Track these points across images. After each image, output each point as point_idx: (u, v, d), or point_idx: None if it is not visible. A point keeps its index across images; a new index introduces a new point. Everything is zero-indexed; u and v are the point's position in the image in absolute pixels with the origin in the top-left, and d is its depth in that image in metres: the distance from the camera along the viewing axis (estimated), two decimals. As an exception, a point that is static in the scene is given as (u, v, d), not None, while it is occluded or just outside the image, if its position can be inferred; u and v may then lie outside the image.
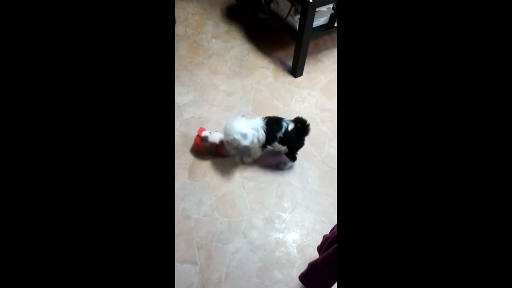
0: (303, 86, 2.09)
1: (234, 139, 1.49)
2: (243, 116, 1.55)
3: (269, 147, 1.61)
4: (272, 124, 1.54)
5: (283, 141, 1.54)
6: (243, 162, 1.71)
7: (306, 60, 2.08)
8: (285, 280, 1.37)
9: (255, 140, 1.53)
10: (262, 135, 1.52)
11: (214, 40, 2.28)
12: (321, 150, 1.80)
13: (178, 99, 1.95)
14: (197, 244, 1.45)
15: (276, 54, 2.24)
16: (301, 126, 1.54)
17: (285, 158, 1.65)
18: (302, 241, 1.48)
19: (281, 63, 2.19)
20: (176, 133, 1.80)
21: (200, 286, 1.35)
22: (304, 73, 2.14)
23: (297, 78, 2.12)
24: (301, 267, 1.38)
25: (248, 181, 1.66)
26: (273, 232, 1.51)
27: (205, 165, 1.70)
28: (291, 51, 2.10)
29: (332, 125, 1.91)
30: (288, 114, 1.91)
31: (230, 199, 1.59)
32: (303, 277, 1.20)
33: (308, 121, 1.53)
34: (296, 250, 1.45)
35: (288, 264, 1.42)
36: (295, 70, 2.09)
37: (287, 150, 1.59)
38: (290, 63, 2.13)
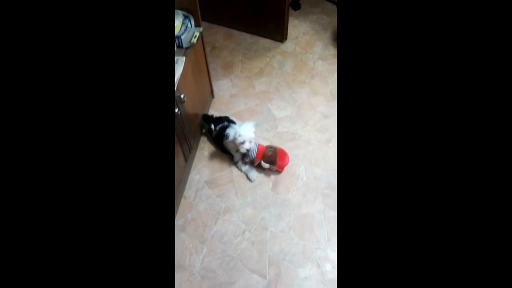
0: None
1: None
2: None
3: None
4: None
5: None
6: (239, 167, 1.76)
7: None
8: (353, 327, 1.26)
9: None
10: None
11: (320, 61, 2.30)
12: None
13: (276, 112, 2.00)
14: (269, 258, 1.44)
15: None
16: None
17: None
18: (378, 291, 1.35)
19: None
20: (267, 143, 1.85)
21: (264, 302, 1.32)
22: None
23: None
24: (374, 319, 1.25)
25: (330, 209, 1.59)
26: (348, 270, 1.41)
27: (289, 181, 1.70)
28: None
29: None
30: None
31: (309, 223, 1.55)
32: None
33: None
34: (370, 299, 1.33)
35: (360, 311, 1.30)
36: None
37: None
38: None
